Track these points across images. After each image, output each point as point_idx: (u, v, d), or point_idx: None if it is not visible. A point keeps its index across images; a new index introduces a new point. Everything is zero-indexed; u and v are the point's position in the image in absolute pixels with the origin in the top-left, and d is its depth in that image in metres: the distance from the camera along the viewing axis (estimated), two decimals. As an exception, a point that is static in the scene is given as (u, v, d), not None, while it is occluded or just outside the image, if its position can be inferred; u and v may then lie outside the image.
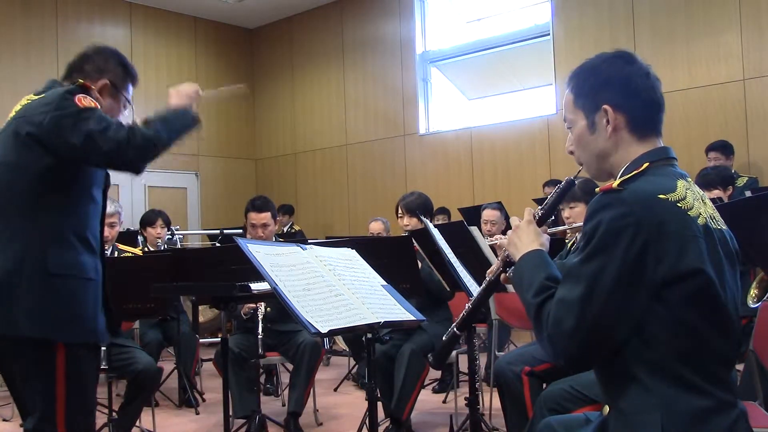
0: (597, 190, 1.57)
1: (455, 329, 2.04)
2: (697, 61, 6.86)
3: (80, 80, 2.24)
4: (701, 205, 1.57)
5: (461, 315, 2.02)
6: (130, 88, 2.41)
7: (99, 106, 2.17)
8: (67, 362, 2.11)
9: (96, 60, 2.33)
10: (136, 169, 2.20)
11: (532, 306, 1.60)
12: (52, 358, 2.10)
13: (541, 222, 1.81)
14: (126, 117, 2.41)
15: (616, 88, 1.64)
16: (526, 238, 1.74)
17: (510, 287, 3.16)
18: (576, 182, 1.88)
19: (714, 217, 1.60)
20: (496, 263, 1.89)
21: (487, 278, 1.91)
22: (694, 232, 1.50)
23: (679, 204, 1.52)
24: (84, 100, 2.13)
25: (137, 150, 2.13)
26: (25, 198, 2.12)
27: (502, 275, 1.85)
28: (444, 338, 2.09)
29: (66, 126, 2.08)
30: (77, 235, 2.17)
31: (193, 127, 2.34)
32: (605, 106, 1.64)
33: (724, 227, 1.63)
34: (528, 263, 1.69)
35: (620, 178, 1.58)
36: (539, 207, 1.85)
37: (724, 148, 5.94)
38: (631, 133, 1.64)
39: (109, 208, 4.11)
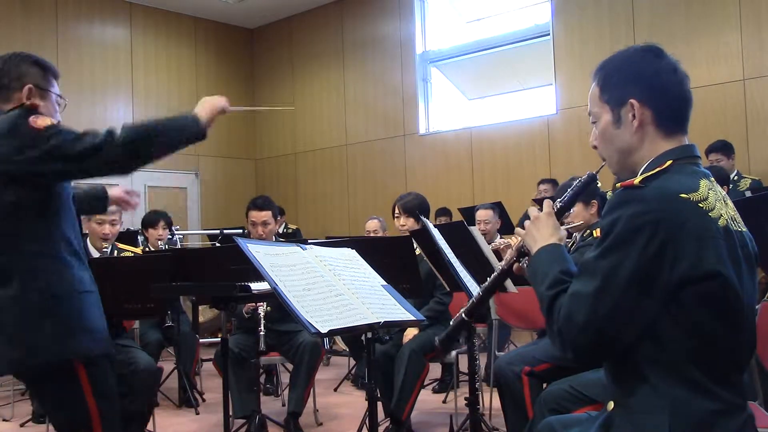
0: (618, 185, 1.54)
1: (463, 315, 2.02)
2: (697, 61, 6.86)
3: (24, 103, 2.19)
4: (723, 206, 1.54)
5: (470, 301, 2.00)
6: (55, 83, 2.33)
7: (55, 121, 2.14)
8: (89, 379, 2.14)
9: (10, 70, 2.25)
10: (124, 167, 2.15)
11: (546, 298, 1.59)
12: (75, 379, 2.12)
13: (559, 214, 1.79)
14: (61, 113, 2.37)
15: (643, 82, 1.61)
16: (545, 231, 1.72)
17: (510, 286, 3.17)
18: (597, 177, 1.86)
19: (735, 219, 1.58)
20: (509, 252, 1.87)
21: (500, 266, 1.90)
22: (714, 234, 1.48)
23: (700, 204, 1.49)
24: (38, 120, 2.08)
25: (125, 146, 2.08)
26: (12, 228, 2.12)
27: (516, 265, 1.83)
28: (452, 323, 2.07)
29: (33, 156, 2.05)
30: (69, 251, 2.17)
31: (197, 139, 2.28)
32: (632, 100, 1.60)
33: (744, 229, 1.61)
34: (545, 256, 1.67)
35: (642, 174, 1.55)
36: (558, 200, 1.82)
37: (725, 148, 5.89)
38: (657, 129, 1.61)
39: (110, 207, 4.12)
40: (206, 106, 2.32)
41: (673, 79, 1.62)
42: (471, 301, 2.01)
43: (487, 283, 1.97)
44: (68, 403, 2.15)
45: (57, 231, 2.17)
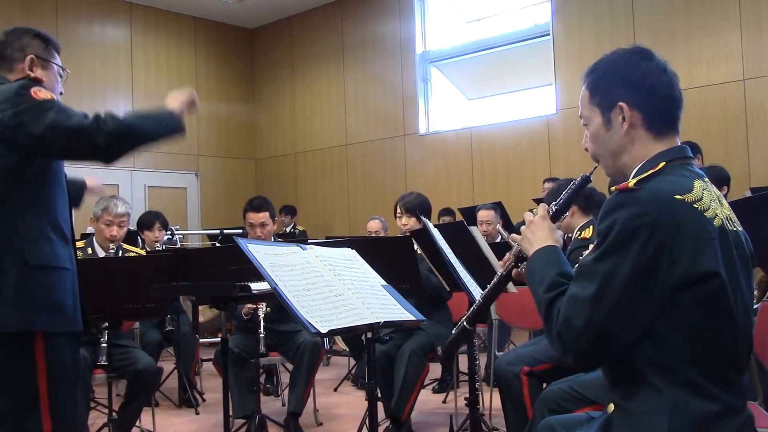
0: (612, 188, 1.54)
1: (465, 324, 2.00)
2: (697, 61, 6.86)
3: (30, 75, 2.23)
4: (718, 206, 1.54)
5: (471, 309, 1.99)
6: (56, 55, 2.39)
7: (55, 98, 2.16)
8: (46, 354, 2.09)
9: (12, 42, 2.31)
10: (108, 155, 2.15)
11: (543, 301, 1.59)
12: (31, 350, 2.08)
13: (555, 218, 1.79)
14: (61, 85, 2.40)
15: (631, 84, 1.61)
16: (540, 234, 1.72)
17: (510, 287, 3.17)
18: (592, 179, 1.86)
19: (730, 219, 1.58)
20: (507, 257, 1.88)
21: (499, 272, 1.89)
22: (710, 234, 1.48)
23: (695, 205, 1.49)
24: (40, 93, 2.12)
25: (108, 136, 2.09)
26: (2, 194, 2.11)
27: (514, 270, 1.83)
28: (453, 332, 2.06)
29: (27, 121, 2.07)
30: (52, 226, 2.17)
31: (176, 132, 2.31)
32: (621, 103, 1.61)
33: (740, 229, 1.61)
34: (541, 259, 1.68)
35: (636, 176, 1.55)
36: (553, 203, 1.82)
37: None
38: (647, 131, 1.61)
39: (120, 209, 4.16)
40: (176, 101, 2.39)
41: (663, 80, 1.62)
42: (472, 308, 1.99)
43: (486, 290, 1.96)
44: (17, 377, 2.08)
45: (45, 206, 2.17)
